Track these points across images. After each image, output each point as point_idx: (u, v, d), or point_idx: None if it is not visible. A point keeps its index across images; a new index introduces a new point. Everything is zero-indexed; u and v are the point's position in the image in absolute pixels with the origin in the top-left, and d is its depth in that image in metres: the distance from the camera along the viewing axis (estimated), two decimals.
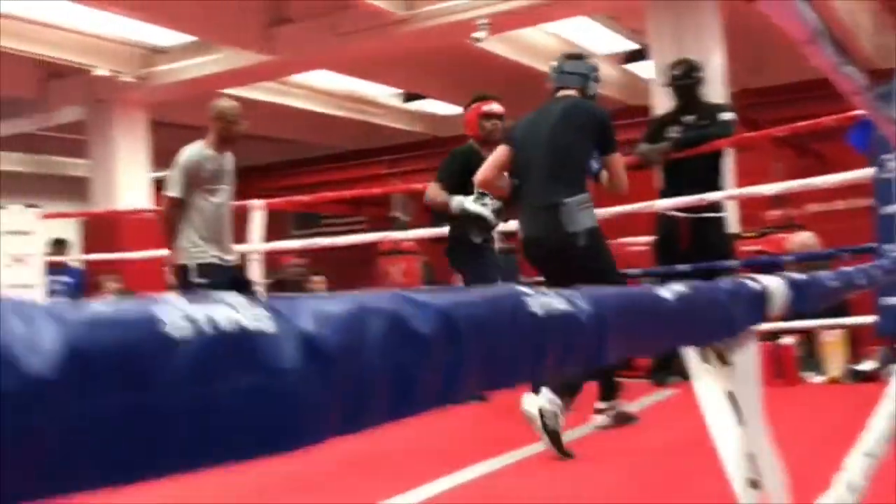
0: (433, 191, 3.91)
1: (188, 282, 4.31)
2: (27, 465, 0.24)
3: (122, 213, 7.68)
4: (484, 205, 3.60)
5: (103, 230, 8.10)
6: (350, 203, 11.75)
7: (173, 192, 4.26)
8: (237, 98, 8.59)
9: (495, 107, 4.11)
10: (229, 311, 0.32)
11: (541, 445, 2.77)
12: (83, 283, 7.50)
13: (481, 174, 3.45)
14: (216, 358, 0.31)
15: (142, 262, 6.45)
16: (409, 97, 10.76)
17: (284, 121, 10.30)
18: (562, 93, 3.42)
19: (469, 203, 3.64)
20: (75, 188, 10.04)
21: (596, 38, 8.17)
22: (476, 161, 3.71)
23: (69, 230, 8.39)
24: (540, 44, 8.00)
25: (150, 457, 0.29)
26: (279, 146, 12.16)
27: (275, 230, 5.70)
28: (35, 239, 5.98)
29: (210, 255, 4.33)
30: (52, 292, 6.61)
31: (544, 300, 0.54)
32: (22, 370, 0.25)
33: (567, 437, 2.81)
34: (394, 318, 0.40)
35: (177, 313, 0.30)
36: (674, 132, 4.49)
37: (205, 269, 4.30)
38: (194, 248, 4.31)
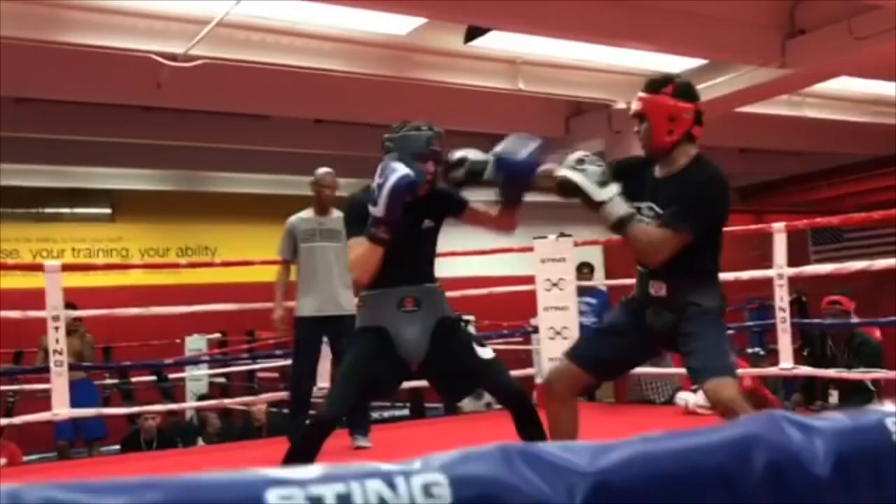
0: None
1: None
2: None
3: None
4: None
5: (622, 254, 8.53)
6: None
7: (279, 254, 4.99)
8: (749, 114, 8.54)
9: None
10: None
11: None
12: (607, 304, 7.97)
13: None
14: None
15: None
16: None
17: (800, 133, 9.93)
18: None
19: None
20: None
21: None
22: None
23: (595, 254, 9.00)
24: None
25: None
26: (797, 159, 11.73)
27: (792, 246, 5.37)
28: (568, 265, 6.54)
29: (303, 308, 4.86)
30: (581, 312, 7.13)
31: None
32: (808, 472, 0.33)
33: None
34: None
35: None
36: None
37: (298, 321, 4.88)
38: (299, 302, 4.89)
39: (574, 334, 6.40)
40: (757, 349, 7.99)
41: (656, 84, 2.84)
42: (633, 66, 8.03)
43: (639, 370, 6.49)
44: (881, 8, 6.29)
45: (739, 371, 5.77)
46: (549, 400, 2.89)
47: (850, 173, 11.59)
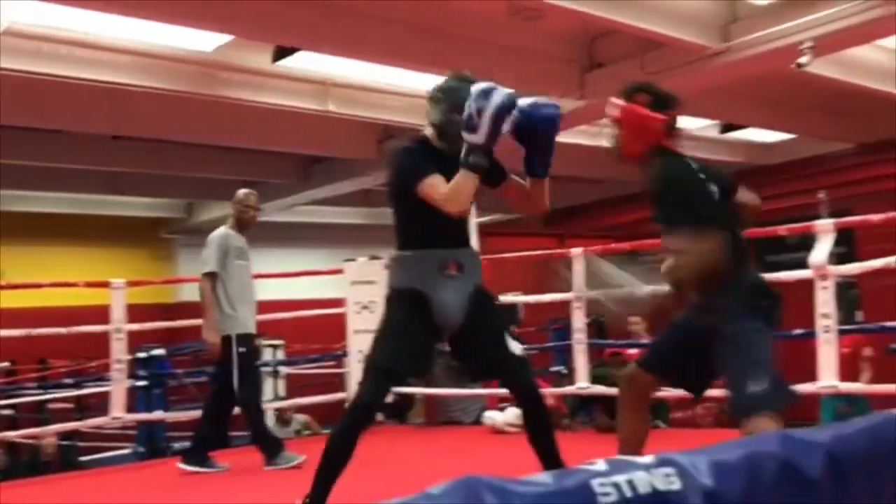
0: None
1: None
2: None
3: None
4: None
5: None
6: None
7: (212, 266, 4.80)
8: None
9: None
10: (644, 475, 0.37)
11: None
12: None
13: None
14: None
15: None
16: (727, 127, 10.43)
17: (599, 161, 10.40)
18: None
19: None
20: None
21: None
22: None
23: None
24: (870, 60, 7.45)
25: None
26: (597, 186, 12.31)
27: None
28: (379, 287, 6.53)
29: (244, 325, 4.84)
30: None
31: None
32: None
33: None
34: (784, 464, 0.43)
35: (604, 482, 0.36)
36: None
37: (242, 336, 4.80)
38: (234, 318, 4.81)
39: None
40: (560, 368, 8.27)
41: (632, 92, 2.85)
42: None
43: (444, 391, 6.56)
44: (669, 46, 6.70)
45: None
46: (620, 406, 2.83)
47: (647, 200, 12.24)
